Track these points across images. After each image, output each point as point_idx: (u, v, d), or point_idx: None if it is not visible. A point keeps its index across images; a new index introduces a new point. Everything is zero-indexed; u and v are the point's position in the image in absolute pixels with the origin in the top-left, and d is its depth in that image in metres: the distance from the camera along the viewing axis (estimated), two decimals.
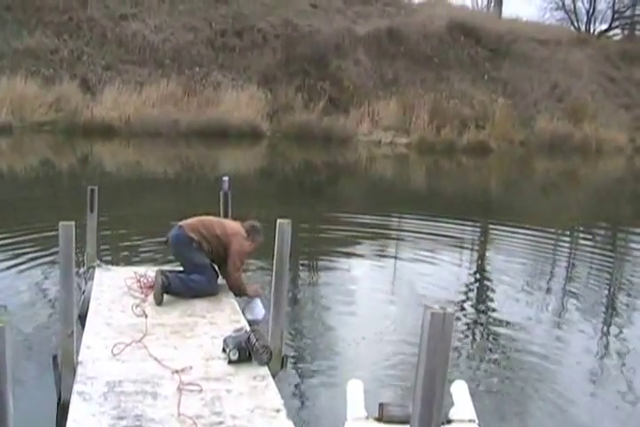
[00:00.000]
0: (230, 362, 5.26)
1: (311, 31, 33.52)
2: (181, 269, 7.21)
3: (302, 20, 34.58)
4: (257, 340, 5.29)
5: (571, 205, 20.51)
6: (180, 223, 7.19)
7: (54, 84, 27.13)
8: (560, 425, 5.94)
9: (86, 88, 28.03)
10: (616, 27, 50.37)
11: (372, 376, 6.27)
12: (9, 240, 10.84)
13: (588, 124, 34.31)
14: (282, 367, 5.77)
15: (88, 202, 7.89)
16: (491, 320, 8.59)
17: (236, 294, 7.07)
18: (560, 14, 51.15)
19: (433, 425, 3.04)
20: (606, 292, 10.60)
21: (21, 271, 9.18)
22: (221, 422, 4.36)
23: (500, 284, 10.42)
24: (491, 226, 15.81)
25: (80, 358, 5.21)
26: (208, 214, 7.53)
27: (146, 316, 6.24)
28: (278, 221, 5.78)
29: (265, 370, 5.20)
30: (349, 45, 33.78)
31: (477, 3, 50.72)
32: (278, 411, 4.57)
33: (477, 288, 10.45)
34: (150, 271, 7.44)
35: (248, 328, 5.67)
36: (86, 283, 7.52)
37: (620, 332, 8.58)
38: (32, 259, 9.69)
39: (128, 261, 9.39)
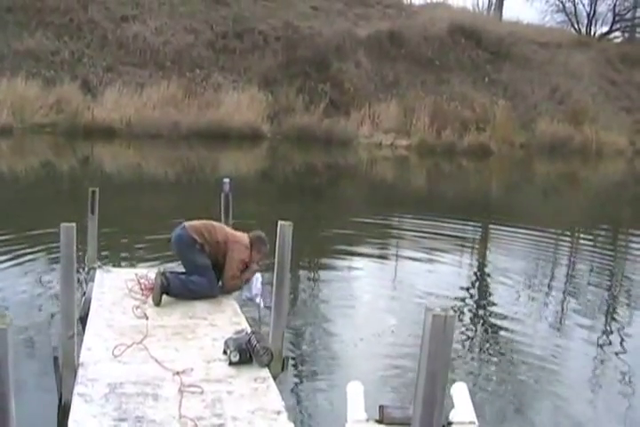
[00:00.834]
0: (231, 364, 5.27)
1: (312, 33, 33.52)
2: (183, 269, 7.22)
3: (303, 22, 34.60)
4: (258, 342, 5.30)
5: (571, 208, 20.52)
6: (185, 223, 7.20)
7: (55, 86, 27.12)
8: None
9: (87, 90, 28.02)
10: (617, 29, 50.40)
11: (373, 378, 6.27)
12: (10, 242, 10.84)
13: (589, 126, 34.32)
14: (283, 369, 5.77)
15: (89, 203, 7.89)
16: (491, 322, 8.60)
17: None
18: (561, 17, 51.20)
19: None
20: (607, 294, 10.60)
21: (22, 273, 9.19)
22: (222, 424, 4.37)
23: (501, 286, 10.43)
24: (491, 228, 15.83)
25: (81, 360, 5.22)
26: (210, 218, 7.53)
27: (147, 317, 6.24)
28: (279, 223, 5.78)
29: (266, 372, 5.21)
30: (350, 48, 33.79)
31: (478, 5, 50.79)
32: (279, 413, 4.57)
33: (478, 290, 10.46)
34: (151, 273, 7.44)
35: (249, 330, 5.67)
36: (87, 284, 7.52)
37: (621, 335, 8.58)
38: (33, 260, 9.71)
39: (129, 263, 9.39)
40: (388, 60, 34.61)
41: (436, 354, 3.00)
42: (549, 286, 10.90)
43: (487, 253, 13.57)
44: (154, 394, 4.73)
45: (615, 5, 49.25)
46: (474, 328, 8.22)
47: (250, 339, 5.32)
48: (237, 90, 30.15)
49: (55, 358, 5.33)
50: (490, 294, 10.23)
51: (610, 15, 49.44)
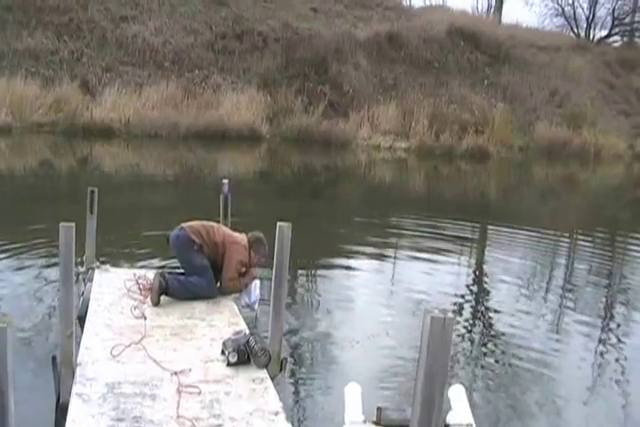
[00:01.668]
0: (229, 364, 5.28)
1: (311, 35, 33.52)
2: (182, 270, 7.23)
3: (302, 23, 34.62)
4: (256, 343, 5.31)
5: (569, 210, 20.55)
6: (183, 225, 7.20)
7: (54, 85, 27.07)
8: None
9: (86, 89, 27.99)
10: (616, 33, 50.51)
11: (371, 380, 6.28)
12: (8, 241, 10.83)
13: (587, 130, 34.33)
14: (280, 370, 5.78)
15: (88, 203, 7.89)
16: (489, 325, 8.61)
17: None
18: (560, 20, 51.37)
19: None
20: (605, 296, 10.62)
21: (20, 272, 9.18)
22: (220, 425, 4.39)
23: (499, 288, 10.45)
24: (489, 230, 15.84)
25: (79, 360, 5.23)
26: (209, 219, 7.55)
27: (145, 318, 6.25)
28: (278, 224, 5.79)
29: (264, 373, 5.22)
30: (349, 49, 33.78)
31: (477, 8, 50.87)
32: (277, 414, 4.58)
33: (476, 293, 10.46)
34: (149, 273, 7.47)
35: (247, 331, 5.68)
36: (85, 284, 7.52)
37: (618, 338, 8.60)
38: (31, 260, 9.70)
39: (127, 263, 9.39)
40: (388, 63, 34.62)
41: (435, 356, 3.01)
42: (548, 288, 10.92)
43: (485, 254, 13.58)
44: (152, 394, 4.74)
45: (614, 9, 49.45)
46: (471, 330, 8.23)
47: (248, 340, 5.33)
48: (236, 91, 30.13)
49: (53, 358, 5.34)
50: (488, 296, 10.24)
51: (609, 19, 49.65)
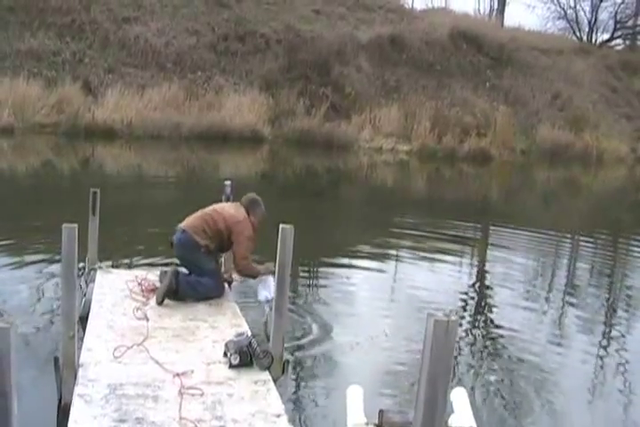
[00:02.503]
0: (231, 366, 5.28)
1: (313, 37, 33.53)
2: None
3: (305, 25, 34.61)
4: (258, 344, 5.31)
5: (571, 213, 20.54)
6: (183, 226, 7.15)
7: (56, 86, 27.09)
8: None
9: (88, 90, 27.99)
10: (618, 37, 50.52)
11: (372, 382, 6.28)
12: (10, 242, 10.85)
13: (590, 133, 34.33)
14: (283, 373, 5.77)
15: (90, 204, 7.88)
16: (490, 328, 8.60)
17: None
18: (562, 24, 51.32)
19: None
20: (607, 300, 10.61)
21: (22, 273, 9.18)
22: None
23: (501, 291, 10.44)
24: (491, 233, 15.85)
25: (81, 361, 5.23)
26: (205, 206, 7.50)
27: (147, 319, 6.25)
28: (281, 226, 5.79)
29: (266, 375, 5.22)
30: (352, 52, 33.79)
31: (480, 11, 50.88)
32: (279, 416, 4.58)
33: (477, 295, 10.45)
34: (151, 274, 7.47)
35: (249, 333, 5.68)
36: (87, 285, 7.53)
37: (621, 340, 8.60)
38: (33, 261, 9.70)
39: (129, 264, 9.40)
40: (390, 65, 34.63)
41: (438, 359, 3.00)
42: (550, 292, 10.92)
43: (487, 256, 13.58)
44: (154, 396, 4.74)
45: (616, 13, 49.44)
46: (473, 333, 8.22)
47: (250, 342, 5.33)
48: (239, 92, 30.14)
49: (55, 359, 5.34)
50: (490, 300, 10.23)
51: (611, 23, 49.62)
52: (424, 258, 12.20)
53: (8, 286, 8.57)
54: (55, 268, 8.96)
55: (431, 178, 27.36)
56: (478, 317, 9.05)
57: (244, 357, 5.29)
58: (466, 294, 10.30)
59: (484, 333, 8.39)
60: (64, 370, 5.12)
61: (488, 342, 8.02)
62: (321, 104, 30.77)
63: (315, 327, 7.75)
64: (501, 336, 8.23)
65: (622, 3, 49.70)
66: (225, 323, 6.36)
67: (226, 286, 7.36)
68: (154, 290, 7.02)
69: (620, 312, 10.07)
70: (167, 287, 6.70)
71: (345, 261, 11.54)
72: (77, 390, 4.76)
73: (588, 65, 40.31)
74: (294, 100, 30.66)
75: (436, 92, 33.89)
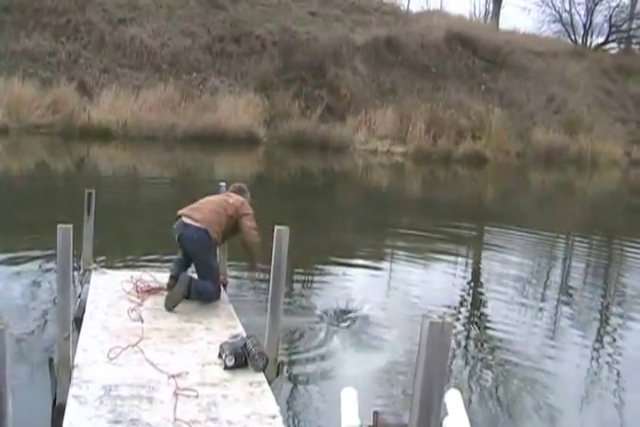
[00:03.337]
0: (226, 368, 5.28)
1: (309, 39, 33.56)
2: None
3: (300, 27, 34.63)
4: (253, 346, 5.31)
5: (566, 216, 20.57)
6: (198, 224, 7.00)
7: (51, 87, 27.07)
8: None
9: (83, 91, 27.97)
10: (613, 40, 50.61)
11: (367, 384, 6.28)
12: (4, 243, 10.83)
13: (584, 136, 34.46)
14: (278, 374, 5.77)
15: (85, 205, 7.87)
16: (484, 330, 8.61)
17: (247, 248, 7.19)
18: (557, 27, 51.46)
19: None
20: (601, 303, 10.63)
21: (17, 274, 9.16)
22: None
23: (495, 293, 10.44)
24: (486, 235, 15.86)
25: (76, 362, 5.21)
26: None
27: (142, 320, 6.25)
28: (276, 227, 5.78)
29: (261, 376, 5.22)
30: (347, 54, 33.82)
31: (475, 14, 50.95)
32: (274, 417, 4.58)
33: (472, 297, 10.47)
34: (146, 276, 7.46)
35: (244, 334, 5.68)
36: (82, 286, 7.52)
37: (614, 342, 8.62)
38: (28, 261, 9.67)
39: (124, 265, 9.39)
40: (385, 67, 34.67)
41: (433, 361, 3.01)
42: (544, 294, 10.93)
43: (482, 258, 13.61)
44: (149, 397, 4.73)
45: (611, 16, 49.56)
46: (468, 334, 8.23)
47: (245, 343, 5.33)
48: (234, 94, 30.15)
49: (50, 360, 5.33)
50: (484, 302, 10.25)
51: (606, 26, 49.74)
52: (419, 259, 12.23)
53: (3, 286, 8.56)
54: (50, 269, 8.95)
55: (426, 180, 27.39)
56: (473, 318, 9.06)
57: (239, 358, 5.29)
58: (461, 296, 10.32)
59: (479, 334, 8.39)
60: (59, 371, 5.11)
61: (483, 344, 8.03)
62: (316, 106, 30.81)
63: (309, 329, 7.75)
64: (496, 338, 8.24)
65: (617, 6, 49.96)
66: (220, 324, 6.35)
67: (221, 287, 7.35)
68: (149, 291, 7.02)
69: (614, 314, 10.09)
70: (182, 295, 6.67)
71: (340, 262, 11.54)
72: (72, 391, 4.75)
73: (582, 68, 40.41)
74: (289, 101, 30.70)
75: (432, 94, 33.95)
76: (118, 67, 30.04)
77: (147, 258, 9.98)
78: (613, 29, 49.85)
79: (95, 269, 7.86)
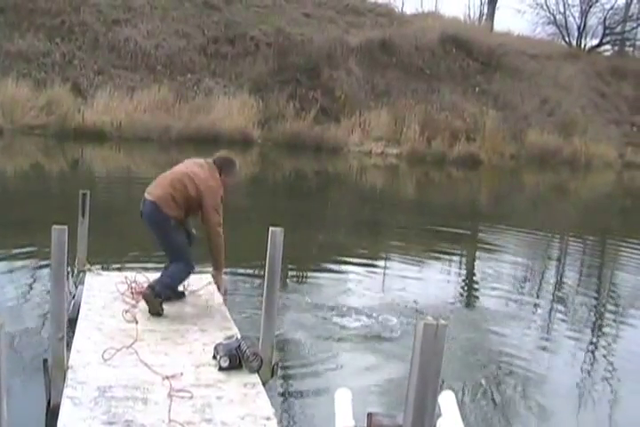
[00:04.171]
0: (221, 369, 5.28)
1: (303, 40, 33.59)
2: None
3: (295, 28, 34.67)
4: (248, 347, 5.31)
5: (560, 218, 20.60)
6: (152, 198, 6.69)
7: (45, 88, 27.06)
8: None
9: (78, 92, 27.97)
10: (607, 42, 50.74)
11: (361, 385, 6.28)
12: None
13: (578, 138, 34.50)
14: (272, 375, 5.77)
15: (80, 206, 7.85)
16: (478, 331, 8.62)
17: (211, 251, 6.84)
18: (551, 29, 51.58)
19: None
20: (595, 304, 10.64)
21: (11, 275, 9.15)
22: None
23: (489, 294, 10.47)
24: (480, 236, 15.87)
25: (70, 363, 5.21)
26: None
27: (136, 322, 6.24)
28: (271, 229, 5.79)
29: (255, 378, 5.21)
30: (341, 55, 33.85)
31: (470, 16, 51.02)
32: (268, 419, 4.58)
33: (466, 299, 10.50)
34: (141, 276, 7.45)
35: (239, 336, 5.69)
36: (77, 287, 7.51)
37: (608, 344, 8.64)
38: (22, 262, 9.67)
39: (119, 266, 9.38)
40: (379, 69, 34.70)
41: (428, 363, 3.02)
42: (538, 296, 10.95)
43: (475, 260, 13.63)
44: (143, 398, 4.73)
45: (605, 19, 49.68)
46: (461, 336, 8.23)
47: (240, 344, 5.33)
48: (228, 95, 30.16)
49: (44, 361, 5.33)
50: (478, 303, 10.27)
51: (600, 28, 49.84)
52: (413, 260, 12.25)
53: None
54: (44, 270, 8.95)
55: (420, 182, 27.41)
56: (467, 319, 9.05)
57: (234, 359, 5.29)
58: (455, 297, 10.34)
59: (473, 336, 8.40)
60: (53, 372, 5.11)
61: (477, 346, 8.03)
62: (311, 107, 30.82)
63: (303, 331, 7.75)
64: (490, 338, 8.26)
65: (611, 8, 50.11)
66: (214, 326, 6.35)
67: (215, 289, 7.30)
68: (144, 295, 7.00)
69: (607, 316, 10.11)
70: (153, 300, 6.54)
71: (334, 264, 11.55)
72: (66, 392, 4.75)
73: (576, 70, 40.47)
74: (284, 103, 30.72)
75: (426, 96, 33.98)
76: (113, 68, 30.03)
77: (141, 259, 9.97)
78: (607, 32, 49.97)
79: (89, 270, 7.84)
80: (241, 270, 9.81)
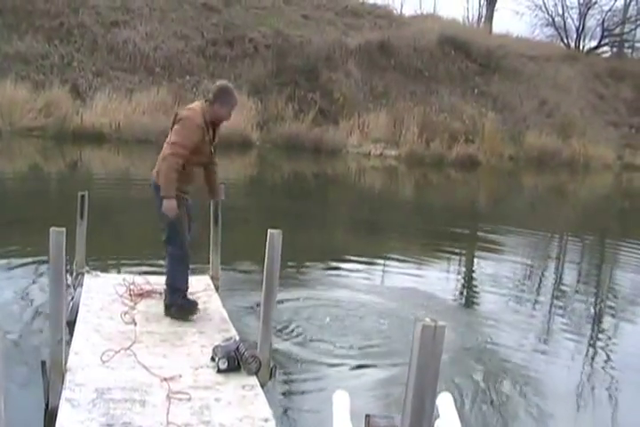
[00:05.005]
0: (219, 371, 5.28)
1: (302, 42, 33.58)
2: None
3: (293, 30, 34.66)
4: (246, 349, 5.32)
5: (558, 219, 20.60)
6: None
7: (44, 90, 27.02)
8: None
9: (76, 94, 27.94)
10: (605, 44, 50.87)
11: (359, 387, 6.28)
12: None
13: (577, 140, 34.52)
14: (270, 377, 5.77)
15: (78, 208, 7.85)
16: (477, 332, 8.61)
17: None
18: (550, 31, 51.72)
19: None
20: (593, 305, 10.66)
21: (9, 277, 9.14)
22: None
23: (487, 295, 10.47)
24: (478, 236, 15.86)
25: (69, 365, 5.21)
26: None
27: (135, 323, 6.25)
28: (269, 231, 5.78)
29: (254, 380, 5.22)
30: (340, 57, 33.85)
31: (468, 18, 51.09)
32: (267, 421, 4.59)
33: (464, 299, 10.51)
34: (139, 278, 7.45)
35: (237, 338, 5.69)
36: (75, 289, 7.51)
37: (606, 346, 8.63)
38: (20, 264, 9.65)
39: (117, 268, 9.37)
40: (378, 71, 34.70)
41: (426, 365, 3.02)
42: (536, 297, 10.94)
43: (474, 262, 13.63)
44: (141, 400, 4.73)
45: (604, 20, 49.76)
46: (459, 337, 8.23)
47: (238, 347, 5.34)
48: None
49: (43, 363, 5.32)
50: (476, 304, 10.27)
51: (599, 30, 49.95)
52: (411, 261, 12.24)
53: None
54: (43, 272, 8.94)
55: (419, 183, 27.41)
56: (465, 321, 9.05)
57: (232, 361, 5.29)
58: (453, 298, 10.34)
59: (471, 337, 8.39)
60: (51, 374, 5.10)
61: (474, 347, 8.03)
62: (309, 109, 30.82)
63: (302, 332, 7.75)
64: (488, 340, 8.25)
65: (610, 10, 50.20)
66: (213, 328, 6.35)
67: (214, 291, 7.31)
68: (142, 294, 7.01)
69: (605, 317, 10.11)
70: (178, 316, 6.54)
71: (333, 266, 11.54)
72: (65, 394, 4.75)
73: (575, 72, 40.50)
74: (283, 105, 30.71)
75: (425, 97, 33.98)
76: (111, 70, 30.01)
77: (140, 261, 9.97)
78: (606, 33, 50.07)
79: (88, 272, 7.85)
80: (239, 271, 9.81)
